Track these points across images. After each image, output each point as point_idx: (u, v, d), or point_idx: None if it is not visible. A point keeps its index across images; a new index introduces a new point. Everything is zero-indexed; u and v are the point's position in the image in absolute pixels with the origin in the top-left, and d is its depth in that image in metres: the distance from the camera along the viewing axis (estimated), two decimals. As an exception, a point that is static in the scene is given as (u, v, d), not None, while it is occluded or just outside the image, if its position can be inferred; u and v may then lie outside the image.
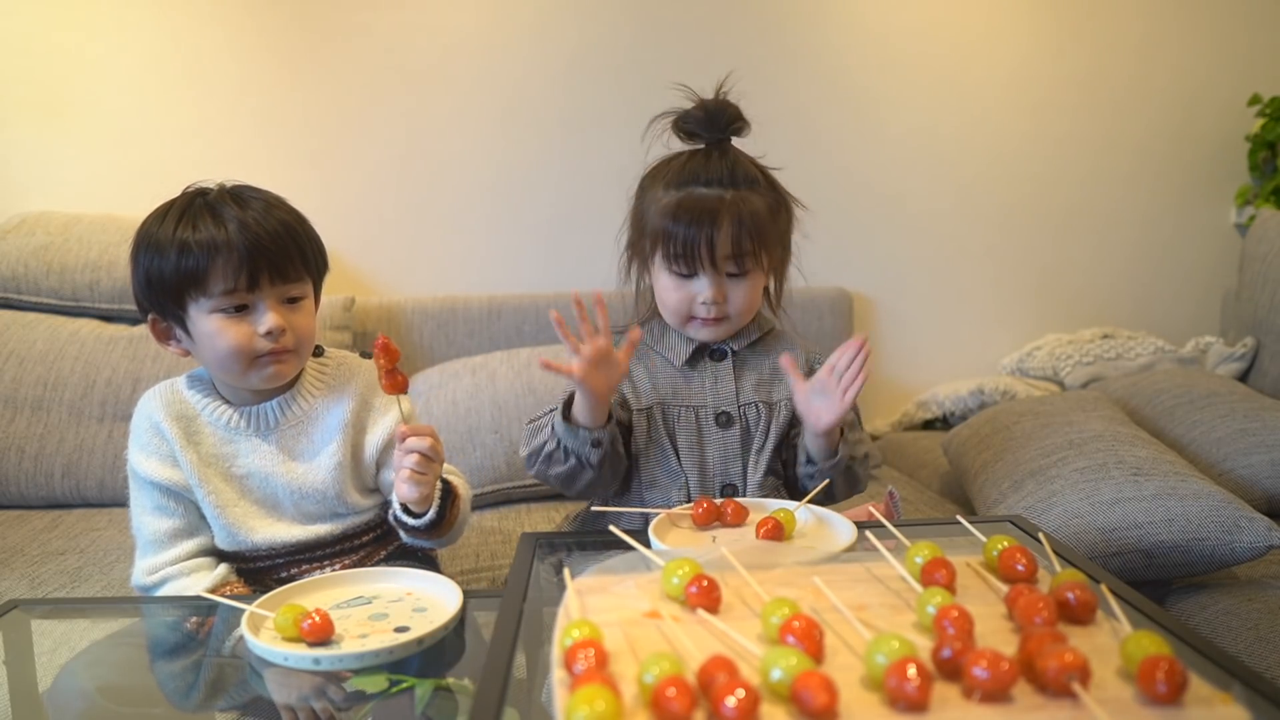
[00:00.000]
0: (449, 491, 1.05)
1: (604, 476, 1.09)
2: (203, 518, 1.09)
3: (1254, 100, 2.34)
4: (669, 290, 1.12)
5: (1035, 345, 2.31)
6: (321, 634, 0.80)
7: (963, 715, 0.54)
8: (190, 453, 1.06)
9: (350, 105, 2.06)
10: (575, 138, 2.14)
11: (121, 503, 1.63)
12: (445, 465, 1.09)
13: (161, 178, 2.00)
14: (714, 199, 1.08)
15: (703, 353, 1.17)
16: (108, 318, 1.84)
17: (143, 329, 1.79)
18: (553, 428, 1.07)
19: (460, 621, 0.86)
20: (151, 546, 1.06)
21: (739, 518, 0.96)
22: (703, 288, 1.10)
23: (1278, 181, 2.31)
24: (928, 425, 2.25)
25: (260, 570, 1.10)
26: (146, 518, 1.07)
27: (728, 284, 1.10)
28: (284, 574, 1.09)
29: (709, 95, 1.18)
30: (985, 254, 2.37)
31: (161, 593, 1.04)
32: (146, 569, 1.05)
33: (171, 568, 1.05)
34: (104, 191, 1.98)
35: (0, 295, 1.82)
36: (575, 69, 2.13)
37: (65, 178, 1.97)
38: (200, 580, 1.04)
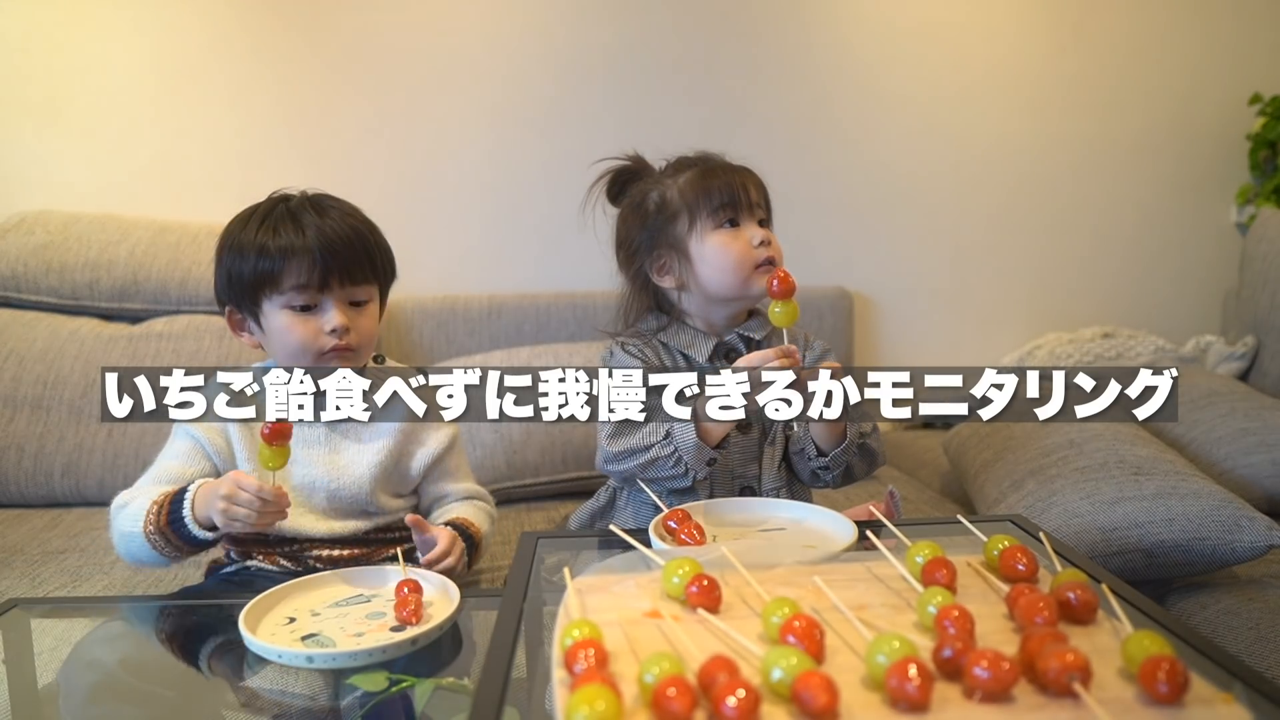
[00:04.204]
0: (471, 547, 1.12)
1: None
2: None
3: (1255, 99, 2.34)
4: (724, 250, 1.12)
5: (1035, 344, 2.31)
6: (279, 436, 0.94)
7: (964, 715, 0.54)
8: (244, 430, 1.11)
9: (351, 105, 2.06)
10: (576, 137, 2.13)
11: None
12: (475, 492, 1.21)
13: (161, 178, 2.03)
14: (729, 163, 1.17)
15: (719, 354, 1.17)
16: (107, 316, 1.84)
17: (141, 328, 1.79)
18: (672, 436, 1.07)
19: (458, 621, 0.86)
20: (147, 478, 1.09)
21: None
22: (753, 231, 1.13)
23: (1278, 180, 2.31)
24: (928, 425, 2.25)
25: (285, 552, 1.12)
26: (164, 462, 1.11)
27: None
28: (306, 556, 1.12)
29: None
30: (985, 253, 2.37)
31: (123, 513, 1.04)
32: (130, 490, 1.08)
33: (144, 494, 1.05)
34: (104, 191, 1.98)
35: (0, 294, 1.82)
36: (576, 68, 2.13)
37: (65, 177, 1.97)
38: (151, 495, 1.04)
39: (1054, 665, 0.55)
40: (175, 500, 1.01)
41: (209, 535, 1.01)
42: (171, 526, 1.00)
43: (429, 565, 1.04)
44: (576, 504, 1.32)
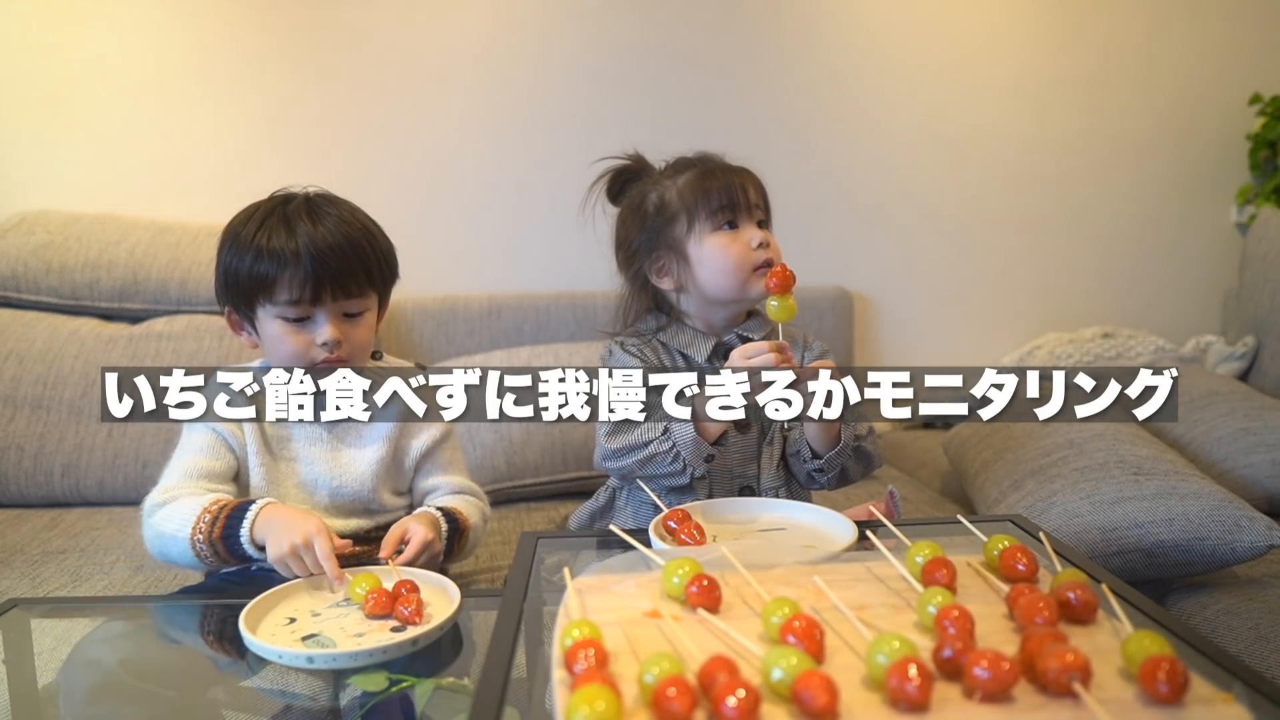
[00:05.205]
0: (456, 529, 1.11)
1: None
2: (234, 480, 1.12)
3: (1255, 99, 2.34)
4: (722, 252, 1.12)
5: (1035, 344, 2.31)
6: (382, 610, 0.86)
7: (964, 715, 0.54)
8: (253, 426, 1.12)
9: (351, 105, 2.06)
10: (576, 136, 2.13)
11: (121, 501, 1.64)
12: (466, 487, 1.20)
13: (161, 178, 2.03)
14: (728, 163, 1.17)
15: (718, 354, 1.17)
16: (107, 316, 1.84)
17: (141, 328, 1.79)
18: (670, 432, 1.07)
19: (458, 621, 0.86)
20: (179, 474, 1.08)
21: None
22: (752, 233, 1.13)
23: (1278, 180, 2.31)
24: (928, 425, 2.25)
25: None
26: (190, 455, 1.10)
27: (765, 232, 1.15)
28: None
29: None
30: (985, 253, 2.37)
31: (163, 513, 1.04)
32: (163, 488, 1.07)
33: (185, 493, 1.06)
34: (104, 191, 1.97)
35: (0, 294, 1.82)
36: (576, 68, 2.13)
37: (65, 177, 1.97)
38: (199, 500, 1.04)
39: (1054, 665, 0.55)
40: (233, 515, 1.00)
41: (263, 555, 0.99)
42: (225, 541, 1.00)
43: (410, 558, 1.01)
44: (576, 504, 1.32)
